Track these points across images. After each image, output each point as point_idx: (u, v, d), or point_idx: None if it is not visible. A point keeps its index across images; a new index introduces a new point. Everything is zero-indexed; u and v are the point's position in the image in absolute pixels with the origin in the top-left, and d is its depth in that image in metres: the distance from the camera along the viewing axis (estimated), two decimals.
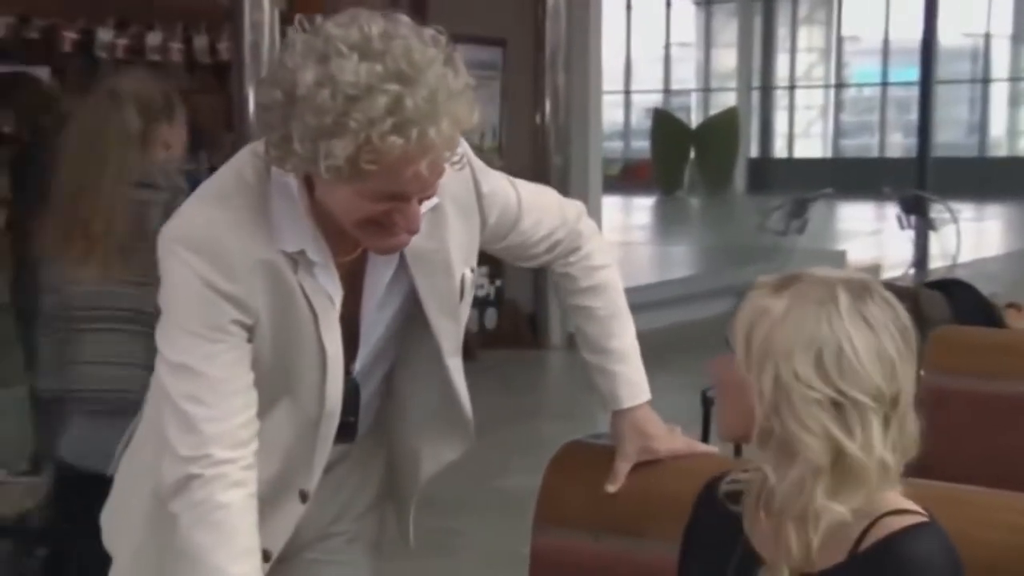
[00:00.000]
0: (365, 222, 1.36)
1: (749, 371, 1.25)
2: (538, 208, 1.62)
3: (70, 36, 7.29)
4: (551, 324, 7.42)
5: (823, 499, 1.22)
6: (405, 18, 1.34)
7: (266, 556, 1.48)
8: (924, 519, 1.24)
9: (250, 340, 1.42)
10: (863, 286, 1.27)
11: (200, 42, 7.43)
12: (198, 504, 1.36)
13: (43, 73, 6.26)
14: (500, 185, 1.59)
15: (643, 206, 18.98)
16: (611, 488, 1.61)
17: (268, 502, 1.46)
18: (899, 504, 1.25)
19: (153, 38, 7.41)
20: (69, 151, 2.48)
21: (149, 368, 1.48)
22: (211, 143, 7.24)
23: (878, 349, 1.24)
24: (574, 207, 1.67)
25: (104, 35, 7.40)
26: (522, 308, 7.34)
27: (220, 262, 1.38)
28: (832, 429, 1.22)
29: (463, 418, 1.63)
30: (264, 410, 1.44)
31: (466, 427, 1.64)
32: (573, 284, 1.66)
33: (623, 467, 1.61)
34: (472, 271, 1.57)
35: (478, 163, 1.55)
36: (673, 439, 1.63)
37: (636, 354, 1.67)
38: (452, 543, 3.75)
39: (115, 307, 2.32)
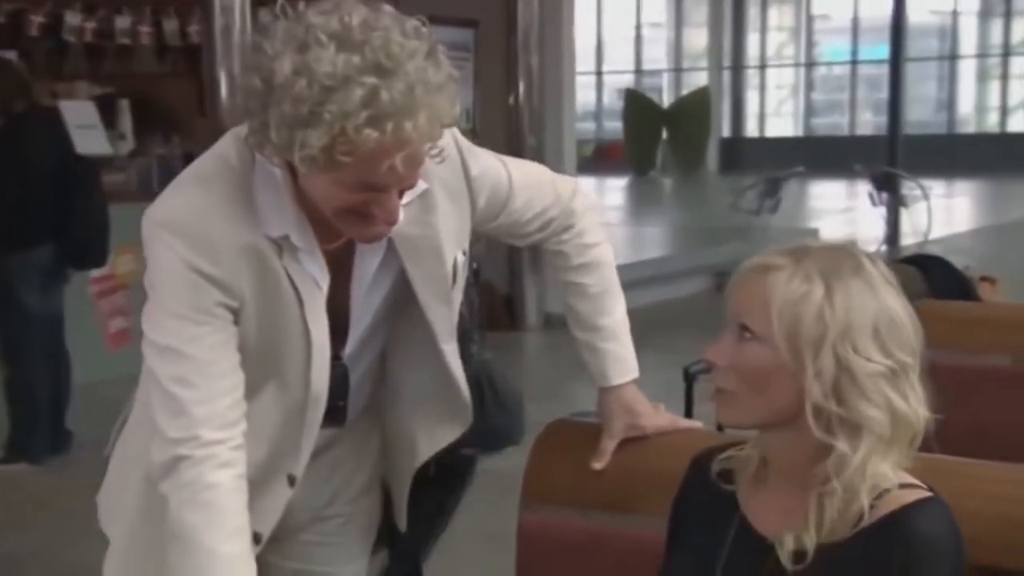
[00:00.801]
0: (344, 211, 1.35)
1: (797, 357, 1.23)
2: (529, 186, 1.61)
3: (37, 20, 7.21)
4: (527, 305, 7.44)
5: (880, 466, 1.23)
6: (389, 7, 1.33)
7: (256, 538, 1.48)
8: (929, 494, 1.25)
9: (236, 323, 1.42)
10: (866, 253, 1.29)
11: (170, 25, 7.37)
12: (187, 485, 1.36)
13: (11, 57, 6.19)
14: (490, 165, 1.57)
15: (616, 187, 18.99)
16: (597, 465, 1.61)
17: (256, 485, 1.46)
18: (903, 478, 1.26)
19: (122, 21, 7.34)
20: None
21: None
22: (184, 128, 7.20)
23: (906, 307, 1.26)
24: (568, 184, 1.67)
25: (72, 19, 7.32)
26: (498, 290, 7.34)
27: (204, 246, 1.38)
28: (892, 397, 1.23)
29: (460, 400, 1.63)
30: (251, 393, 1.44)
31: (464, 409, 1.64)
32: (566, 261, 1.66)
33: (609, 444, 1.62)
34: (464, 254, 1.56)
35: (466, 144, 1.54)
36: (659, 416, 1.63)
37: (626, 332, 1.67)
38: None
39: None
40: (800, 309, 1.23)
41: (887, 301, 1.25)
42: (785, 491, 1.29)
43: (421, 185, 1.46)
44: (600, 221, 1.71)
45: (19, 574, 3.73)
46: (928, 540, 1.21)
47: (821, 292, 1.23)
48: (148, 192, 6.55)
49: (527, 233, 1.65)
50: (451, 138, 1.50)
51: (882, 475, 1.23)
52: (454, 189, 1.52)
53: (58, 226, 4.53)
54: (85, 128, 6.01)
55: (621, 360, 1.65)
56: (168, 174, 6.96)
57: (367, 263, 1.49)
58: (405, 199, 1.43)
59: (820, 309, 1.23)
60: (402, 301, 1.55)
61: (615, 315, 1.67)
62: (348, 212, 1.35)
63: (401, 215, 1.43)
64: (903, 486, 1.25)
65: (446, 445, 1.67)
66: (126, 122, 7.12)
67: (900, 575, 1.19)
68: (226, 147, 1.44)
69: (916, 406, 1.25)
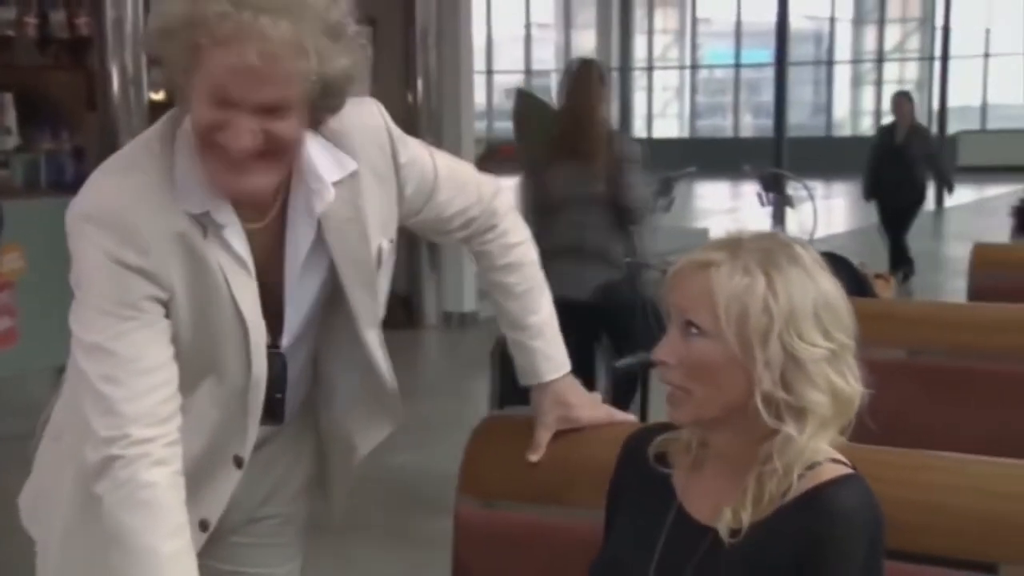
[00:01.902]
0: (206, 143, 1.34)
1: (747, 348, 1.26)
2: (454, 182, 1.62)
3: None
4: (426, 304, 7.43)
5: (819, 442, 1.28)
6: None
7: (203, 526, 1.47)
8: (850, 471, 1.30)
9: (167, 315, 1.40)
10: (795, 239, 1.33)
11: (57, 16, 7.13)
12: (122, 485, 1.34)
13: None
14: (419, 154, 1.58)
15: (509, 186, 19.05)
16: (533, 457, 1.63)
17: (203, 471, 1.45)
18: (828, 453, 1.30)
19: (5, 12, 7.08)
20: None
21: None
22: (72, 123, 6.98)
23: (839, 289, 1.31)
24: (491, 184, 1.68)
25: None
26: (397, 290, 7.31)
27: (129, 236, 1.36)
28: (833, 379, 1.28)
29: (388, 393, 1.63)
30: (191, 383, 1.43)
31: (393, 403, 1.65)
32: (490, 261, 1.68)
33: (543, 436, 1.64)
34: (391, 242, 1.56)
35: (397, 132, 1.55)
36: (594, 408, 1.66)
37: (554, 328, 1.69)
38: (346, 521, 3.74)
39: None
40: (746, 302, 1.26)
41: (824, 286, 1.29)
42: (722, 474, 1.33)
43: (351, 164, 1.46)
44: (521, 221, 1.72)
45: None
46: (846, 514, 1.25)
47: (763, 283, 1.26)
48: (36, 188, 6.34)
49: (450, 230, 1.66)
50: (381, 118, 1.52)
51: (819, 450, 1.28)
52: (383, 174, 1.52)
53: None
54: None
55: (550, 357, 1.67)
56: (57, 170, 6.81)
57: (297, 245, 1.48)
58: (333, 176, 1.43)
59: (765, 300, 1.26)
60: (332, 292, 1.54)
61: (541, 313, 1.68)
62: (211, 146, 1.34)
63: (331, 194, 1.44)
64: (831, 460, 1.29)
65: (378, 440, 1.67)
66: (10, 116, 6.88)
67: (820, 547, 1.24)
68: (150, 132, 1.43)
69: (854, 384, 1.30)
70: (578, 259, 3.82)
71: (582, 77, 4.08)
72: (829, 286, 1.30)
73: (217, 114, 1.32)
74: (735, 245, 1.30)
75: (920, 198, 8.34)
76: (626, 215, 3.94)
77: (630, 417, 1.69)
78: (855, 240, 10.92)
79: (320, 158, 1.45)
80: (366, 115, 1.49)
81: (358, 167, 1.47)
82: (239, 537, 1.64)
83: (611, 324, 3.94)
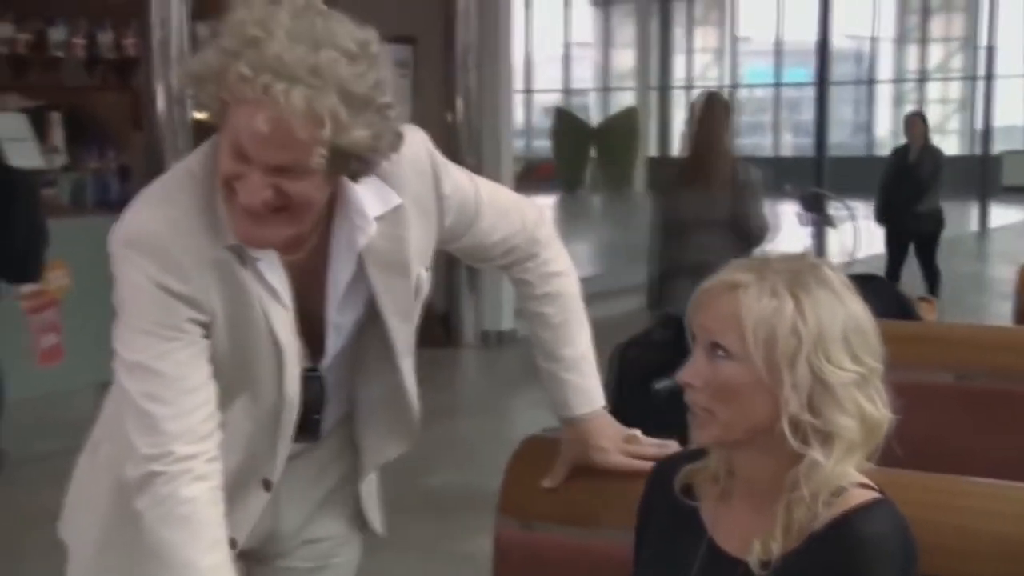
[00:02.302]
0: (228, 189, 1.36)
1: (773, 372, 1.24)
2: (496, 210, 1.61)
3: None
4: (464, 323, 7.44)
5: (847, 467, 1.26)
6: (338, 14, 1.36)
7: (231, 544, 1.48)
8: (878, 496, 1.28)
9: (206, 336, 1.41)
10: (824, 261, 1.32)
11: (105, 38, 7.25)
12: (163, 500, 1.36)
13: None
14: (461, 183, 1.58)
15: (546, 204, 19.11)
16: (547, 483, 1.63)
17: (233, 491, 1.46)
18: (855, 477, 1.28)
19: (56, 33, 7.21)
20: None
21: None
22: (118, 142, 7.08)
23: (868, 313, 1.29)
24: (533, 211, 1.67)
25: (3, 30, 7.18)
26: (435, 309, 7.33)
27: (171, 264, 1.38)
28: (862, 403, 1.26)
29: (409, 416, 1.63)
30: (225, 402, 1.44)
31: (412, 425, 1.64)
32: (529, 290, 1.67)
33: (559, 472, 1.64)
34: (427, 270, 1.56)
35: (441, 161, 1.55)
36: (611, 455, 1.61)
37: (589, 362, 1.67)
38: (388, 542, 3.74)
39: None
40: (774, 324, 1.24)
41: (853, 308, 1.27)
42: (750, 504, 1.31)
43: (395, 199, 1.47)
44: (564, 251, 1.70)
45: None
46: (875, 541, 1.23)
47: (791, 306, 1.25)
48: (81, 206, 6.43)
49: (491, 257, 1.66)
50: (425, 151, 1.51)
51: (845, 474, 1.26)
52: (425, 206, 1.52)
53: None
54: (16, 141, 5.89)
55: (581, 391, 1.64)
56: (103, 188, 6.90)
57: (339, 275, 1.49)
58: (377, 211, 1.44)
59: (793, 323, 1.24)
60: (369, 316, 1.55)
61: (578, 346, 1.66)
62: (229, 193, 1.35)
63: (373, 228, 1.44)
64: (858, 485, 1.27)
65: (387, 460, 1.67)
66: (58, 135, 6.98)
67: (852, 574, 1.22)
68: (194, 158, 1.44)
69: (882, 408, 1.28)
70: (700, 279, 3.91)
71: (708, 109, 4.51)
72: (858, 309, 1.28)
73: (236, 166, 1.33)
74: (763, 267, 1.29)
75: (935, 219, 8.10)
76: (747, 239, 4.27)
77: (646, 466, 1.55)
78: None
79: (364, 193, 1.45)
80: (410, 148, 1.48)
81: (402, 200, 1.48)
82: (289, 561, 1.65)
83: None
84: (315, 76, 1.28)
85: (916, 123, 8.50)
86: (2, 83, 7.01)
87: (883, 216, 8.33)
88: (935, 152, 8.44)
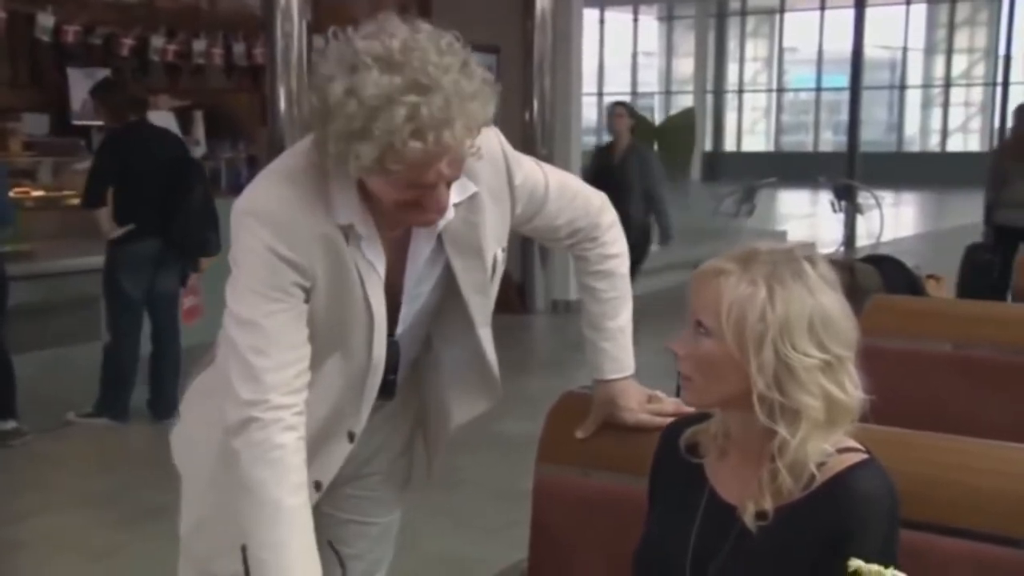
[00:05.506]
0: (400, 205, 1.34)
1: (743, 351, 1.21)
2: (563, 197, 1.58)
3: (127, 42, 7.23)
4: (536, 292, 7.43)
5: (818, 443, 1.22)
6: (427, 26, 1.30)
7: (318, 486, 1.47)
8: (865, 456, 1.23)
9: (307, 301, 1.39)
10: (810, 253, 1.26)
11: (238, 48, 7.36)
12: (258, 444, 1.34)
13: (103, 74, 6.19)
14: (531, 173, 1.54)
15: None
16: (579, 434, 1.61)
17: (321, 440, 1.45)
18: (844, 442, 1.24)
19: (198, 44, 7.34)
20: None
21: None
22: (248, 136, 7.20)
23: (842, 305, 1.24)
24: (597, 198, 1.63)
25: (156, 41, 7.33)
26: (512, 280, 7.32)
27: (285, 233, 1.36)
28: (827, 387, 1.21)
29: (491, 378, 1.61)
30: (319, 361, 1.42)
31: (494, 385, 1.62)
32: (586, 266, 1.63)
33: (589, 426, 1.61)
34: (503, 251, 1.53)
35: (512, 153, 1.51)
36: (637, 414, 1.58)
37: (627, 334, 1.63)
38: (456, 478, 3.75)
39: None
40: (745, 308, 1.21)
41: (823, 301, 1.22)
42: (743, 462, 1.28)
43: (471, 188, 1.44)
44: (621, 236, 1.66)
45: (106, 508, 3.75)
46: (868, 498, 1.19)
47: (764, 294, 1.21)
48: (217, 190, 6.54)
49: (558, 238, 1.62)
50: (499, 145, 1.48)
51: (821, 451, 1.21)
52: (498, 194, 1.49)
53: (166, 221, 4.49)
54: None
55: (615, 359, 1.61)
56: (235, 175, 7.01)
57: (420, 251, 1.47)
58: (455, 198, 1.41)
59: (763, 310, 1.20)
60: (447, 290, 1.52)
61: (619, 320, 1.63)
62: (404, 205, 1.34)
63: (451, 213, 1.41)
64: (841, 451, 1.23)
65: (476, 415, 1.64)
66: (199, 130, 7.13)
67: (845, 529, 1.18)
68: (308, 145, 1.41)
69: (852, 392, 1.22)
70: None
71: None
72: (829, 302, 1.22)
73: (415, 193, 1.31)
74: (749, 258, 1.24)
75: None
76: None
77: (665, 422, 1.49)
78: (919, 243, 10.49)
79: None
80: (486, 143, 1.43)
81: (478, 189, 1.45)
82: (351, 488, 1.65)
83: None
84: (461, 103, 1.26)
85: (621, 115, 6.17)
86: (157, 86, 7.18)
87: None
88: (642, 151, 6.27)
